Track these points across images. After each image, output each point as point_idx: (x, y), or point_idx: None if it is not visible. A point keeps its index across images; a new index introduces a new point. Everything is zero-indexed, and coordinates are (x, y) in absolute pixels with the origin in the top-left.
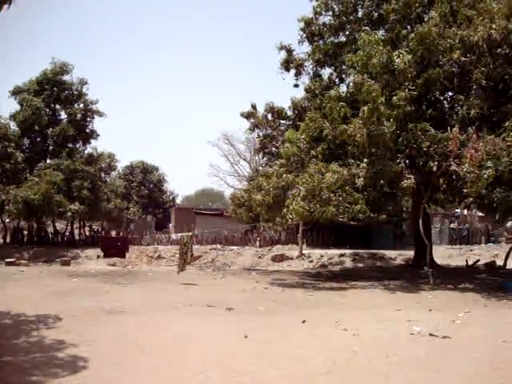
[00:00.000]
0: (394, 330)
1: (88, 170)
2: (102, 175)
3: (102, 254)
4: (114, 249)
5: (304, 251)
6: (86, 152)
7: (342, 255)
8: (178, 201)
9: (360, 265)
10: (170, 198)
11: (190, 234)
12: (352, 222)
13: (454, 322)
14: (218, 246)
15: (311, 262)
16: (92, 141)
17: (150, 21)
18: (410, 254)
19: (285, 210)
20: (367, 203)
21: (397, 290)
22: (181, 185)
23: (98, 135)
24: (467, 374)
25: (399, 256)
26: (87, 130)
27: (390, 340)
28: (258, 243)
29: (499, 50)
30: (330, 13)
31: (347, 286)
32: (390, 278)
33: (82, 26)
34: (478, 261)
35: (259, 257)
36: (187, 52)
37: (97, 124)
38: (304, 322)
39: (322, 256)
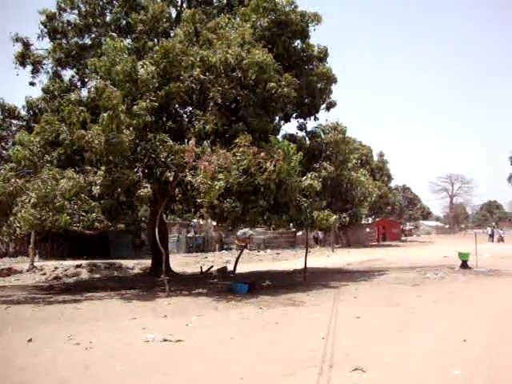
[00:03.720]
0: (129, 338)
1: None
2: None
3: None
4: None
5: (36, 263)
6: None
7: (78, 266)
8: None
9: (97, 275)
10: None
11: None
12: (88, 231)
13: (188, 326)
14: None
15: (44, 274)
16: None
17: None
18: (149, 262)
19: (12, 219)
20: (104, 212)
21: (133, 299)
22: None
23: None
24: (196, 374)
25: (137, 265)
26: None
27: (123, 349)
28: None
29: (234, 74)
30: (76, 11)
31: (82, 298)
32: (127, 287)
33: None
34: (212, 267)
35: None
36: None
37: None
38: (30, 340)
39: (56, 268)
